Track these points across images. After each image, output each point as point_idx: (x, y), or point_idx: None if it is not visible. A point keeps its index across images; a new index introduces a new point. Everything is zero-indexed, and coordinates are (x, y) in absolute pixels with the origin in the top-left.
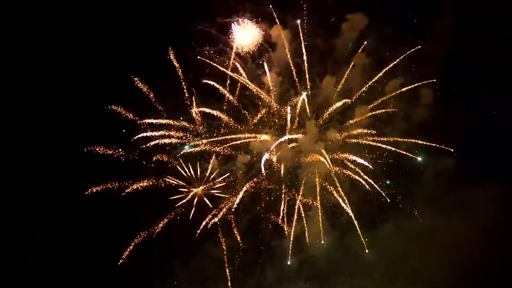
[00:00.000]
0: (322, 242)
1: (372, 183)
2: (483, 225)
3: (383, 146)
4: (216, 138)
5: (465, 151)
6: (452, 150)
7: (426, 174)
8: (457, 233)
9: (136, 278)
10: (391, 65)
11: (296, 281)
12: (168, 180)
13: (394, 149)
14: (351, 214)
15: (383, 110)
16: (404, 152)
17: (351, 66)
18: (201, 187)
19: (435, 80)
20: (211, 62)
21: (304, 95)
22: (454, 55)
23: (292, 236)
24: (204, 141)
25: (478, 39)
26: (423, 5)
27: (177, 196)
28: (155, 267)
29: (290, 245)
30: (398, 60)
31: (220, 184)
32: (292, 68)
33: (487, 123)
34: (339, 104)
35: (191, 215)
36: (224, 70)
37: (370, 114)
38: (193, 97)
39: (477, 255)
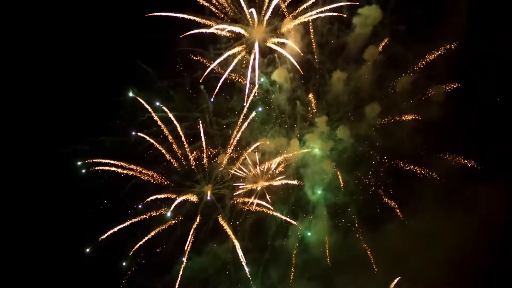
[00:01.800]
0: (326, 242)
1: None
2: (488, 225)
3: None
4: (228, 152)
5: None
6: (477, 165)
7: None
8: (461, 234)
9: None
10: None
11: (299, 281)
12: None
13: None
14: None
15: (408, 117)
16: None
17: (368, 63)
18: (209, 186)
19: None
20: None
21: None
22: (465, 53)
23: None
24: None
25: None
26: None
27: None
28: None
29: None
30: (421, 63)
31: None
32: (298, 64)
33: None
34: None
35: (198, 216)
36: (233, 76)
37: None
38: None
39: (480, 256)
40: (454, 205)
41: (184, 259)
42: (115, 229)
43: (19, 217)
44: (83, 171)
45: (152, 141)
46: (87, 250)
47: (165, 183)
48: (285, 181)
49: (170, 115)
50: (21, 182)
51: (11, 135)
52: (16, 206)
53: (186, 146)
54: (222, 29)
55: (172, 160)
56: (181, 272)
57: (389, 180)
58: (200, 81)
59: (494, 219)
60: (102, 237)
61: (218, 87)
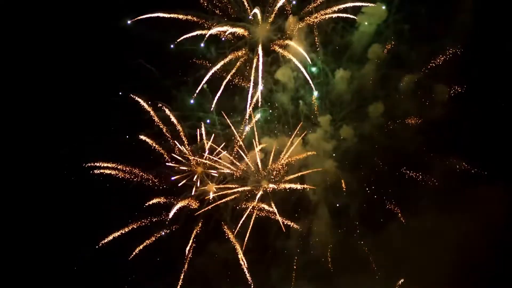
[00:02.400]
0: (327, 242)
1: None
2: (490, 226)
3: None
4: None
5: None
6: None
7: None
8: (463, 235)
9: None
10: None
11: (300, 281)
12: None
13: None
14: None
15: (411, 121)
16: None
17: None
18: (211, 186)
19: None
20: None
21: (315, 93)
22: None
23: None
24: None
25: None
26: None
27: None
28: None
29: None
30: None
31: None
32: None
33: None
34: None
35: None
36: (236, 79)
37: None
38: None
39: (481, 256)
40: (455, 207)
41: (186, 261)
42: (116, 234)
43: (17, 218)
44: (82, 172)
45: (152, 142)
46: (87, 253)
47: (167, 186)
48: (289, 185)
49: (171, 115)
50: (20, 183)
51: (9, 135)
52: (13, 207)
53: (188, 147)
54: (224, 30)
55: (173, 161)
56: (182, 276)
57: (391, 182)
58: (203, 82)
59: (496, 220)
60: (103, 242)
61: (221, 88)
